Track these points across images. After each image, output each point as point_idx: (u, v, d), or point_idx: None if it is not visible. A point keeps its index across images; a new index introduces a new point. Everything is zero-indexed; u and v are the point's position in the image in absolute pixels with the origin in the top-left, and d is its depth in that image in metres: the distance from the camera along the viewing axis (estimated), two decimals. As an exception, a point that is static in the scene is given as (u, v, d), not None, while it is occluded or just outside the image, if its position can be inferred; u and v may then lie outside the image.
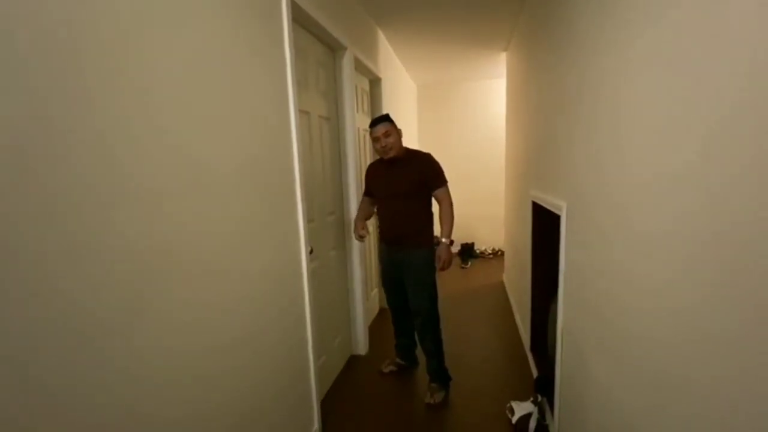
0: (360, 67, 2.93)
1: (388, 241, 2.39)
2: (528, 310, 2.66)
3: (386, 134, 2.20)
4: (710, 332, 0.71)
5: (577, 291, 1.51)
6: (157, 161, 1.00)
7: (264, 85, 1.54)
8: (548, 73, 2.03)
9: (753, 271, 0.60)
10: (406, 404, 2.31)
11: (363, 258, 2.90)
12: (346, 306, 2.80)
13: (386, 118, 2.25)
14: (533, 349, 2.58)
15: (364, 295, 2.91)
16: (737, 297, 0.64)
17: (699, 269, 0.74)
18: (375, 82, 3.41)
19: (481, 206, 5.66)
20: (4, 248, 0.67)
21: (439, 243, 2.24)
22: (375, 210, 2.60)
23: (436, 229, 2.30)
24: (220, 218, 1.26)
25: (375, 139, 2.24)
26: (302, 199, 1.83)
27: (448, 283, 4.40)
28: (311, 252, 1.97)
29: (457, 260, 5.31)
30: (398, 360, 2.66)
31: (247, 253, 1.41)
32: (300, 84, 1.97)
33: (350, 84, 2.64)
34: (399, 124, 2.35)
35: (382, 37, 3.55)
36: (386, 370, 2.63)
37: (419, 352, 2.53)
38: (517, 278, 3.38)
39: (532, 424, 1.93)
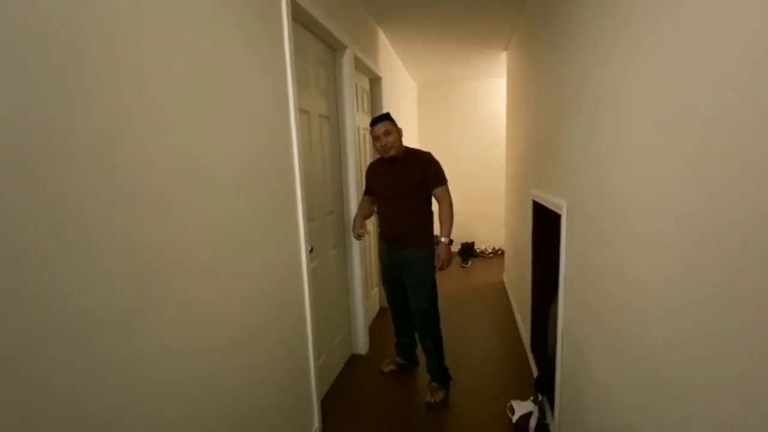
0: (360, 66, 2.93)
1: (388, 240, 2.39)
2: (528, 310, 2.66)
3: (386, 133, 2.20)
4: (710, 332, 0.71)
5: (578, 290, 1.51)
6: (157, 161, 1.00)
7: (264, 84, 1.54)
8: (548, 73, 2.03)
9: (753, 270, 0.60)
10: (406, 404, 2.31)
11: (363, 257, 2.90)
12: (347, 305, 2.80)
13: (387, 117, 2.25)
14: (533, 348, 2.58)
15: (364, 294, 2.91)
16: (737, 297, 0.64)
17: (699, 269, 0.74)
18: (375, 81, 3.41)
19: (481, 205, 5.66)
20: (4, 248, 0.67)
21: (438, 242, 2.24)
22: (375, 209, 2.60)
23: (437, 229, 2.30)
24: (220, 218, 1.26)
25: (375, 138, 2.24)
26: (302, 199, 1.83)
27: (449, 282, 4.40)
28: (311, 251, 1.97)
29: (457, 259, 5.31)
30: (398, 359, 2.67)
31: (247, 252, 1.41)
32: (300, 83, 1.96)
33: (350, 83, 2.64)
34: (399, 123, 2.35)
35: (382, 35, 3.54)
36: (386, 369, 2.63)
37: (419, 351, 2.53)
38: (517, 278, 3.38)
39: (533, 423, 1.93)
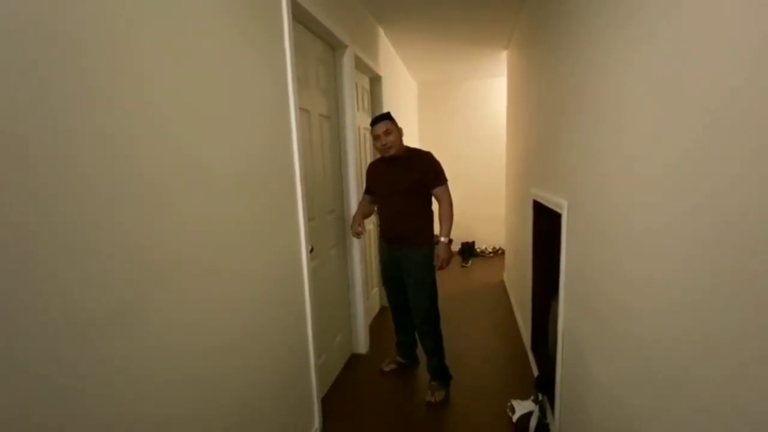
0: (360, 65, 2.92)
1: (388, 239, 2.39)
2: (529, 309, 2.66)
3: (387, 132, 2.20)
4: (710, 331, 0.71)
5: (578, 290, 1.51)
6: (157, 160, 1.00)
7: (264, 84, 1.54)
8: (549, 72, 2.03)
9: (753, 270, 0.60)
10: (406, 403, 2.31)
11: (363, 256, 2.90)
12: (347, 304, 2.80)
13: (387, 117, 2.25)
14: (534, 347, 2.58)
15: (365, 293, 2.91)
16: (737, 296, 0.64)
17: (699, 268, 0.74)
18: (375, 80, 3.40)
19: (481, 205, 5.66)
20: (5, 248, 0.67)
21: (438, 242, 2.24)
22: (375, 209, 2.60)
23: (437, 228, 2.30)
24: (221, 217, 1.26)
25: (375, 137, 2.25)
26: (303, 198, 1.83)
27: (449, 282, 4.40)
28: (312, 250, 1.97)
29: (457, 259, 5.31)
30: (399, 358, 2.67)
31: (248, 252, 1.41)
32: (300, 82, 1.96)
33: (350, 82, 2.63)
34: (399, 123, 2.35)
35: (382, 34, 3.54)
36: (387, 368, 2.63)
37: (420, 350, 2.53)
38: (517, 277, 3.38)
39: (533, 422, 1.93)
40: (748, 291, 0.62)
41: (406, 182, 2.23)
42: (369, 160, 3.06)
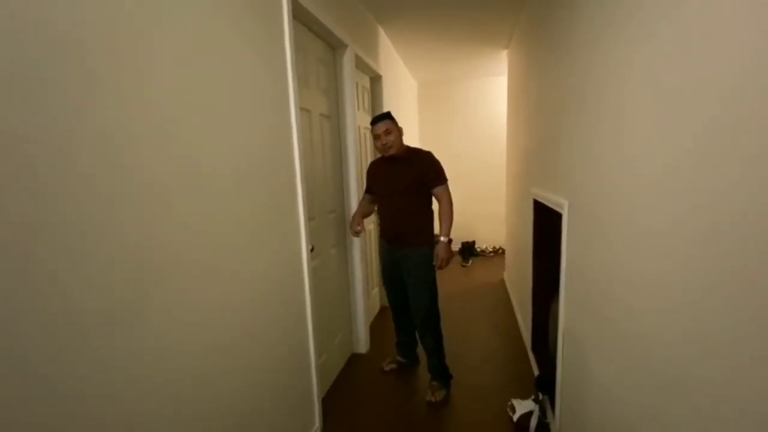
0: (361, 65, 2.92)
1: (388, 238, 2.39)
2: (529, 309, 2.66)
3: (387, 132, 2.20)
4: (711, 331, 0.71)
5: (579, 289, 1.51)
6: (157, 161, 1.00)
7: (264, 83, 1.53)
8: (550, 71, 2.03)
9: (753, 269, 0.60)
10: (407, 402, 2.31)
11: (364, 256, 2.90)
12: (347, 304, 2.80)
13: (387, 116, 2.25)
14: (534, 347, 2.58)
15: (365, 293, 2.91)
16: (737, 296, 0.64)
17: (699, 268, 0.74)
18: (376, 80, 3.40)
19: (482, 204, 5.66)
20: (5, 248, 0.67)
21: (438, 241, 2.24)
22: (375, 208, 2.60)
23: (437, 228, 2.30)
24: (221, 217, 1.26)
25: (376, 137, 2.25)
26: (303, 197, 1.82)
27: (449, 281, 4.40)
28: (312, 250, 1.97)
29: (457, 258, 5.31)
30: (399, 358, 2.67)
31: (248, 251, 1.41)
32: (300, 82, 1.96)
33: (351, 81, 2.63)
34: (400, 122, 2.35)
35: (382, 34, 3.53)
36: (387, 368, 2.63)
37: (420, 350, 2.53)
38: (518, 277, 3.38)
39: (533, 422, 1.93)
40: (748, 291, 0.61)
41: (406, 182, 2.23)
42: (369, 160, 3.06)
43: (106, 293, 0.86)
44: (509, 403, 2.11)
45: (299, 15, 1.90)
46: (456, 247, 5.30)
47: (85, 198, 0.81)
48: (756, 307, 0.60)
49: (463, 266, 5.15)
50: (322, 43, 2.34)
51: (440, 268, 2.25)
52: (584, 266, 1.44)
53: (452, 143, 5.70)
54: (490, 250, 5.68)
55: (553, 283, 1.87)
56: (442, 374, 2.36)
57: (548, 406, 2.02)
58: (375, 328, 3.20)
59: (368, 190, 2.50)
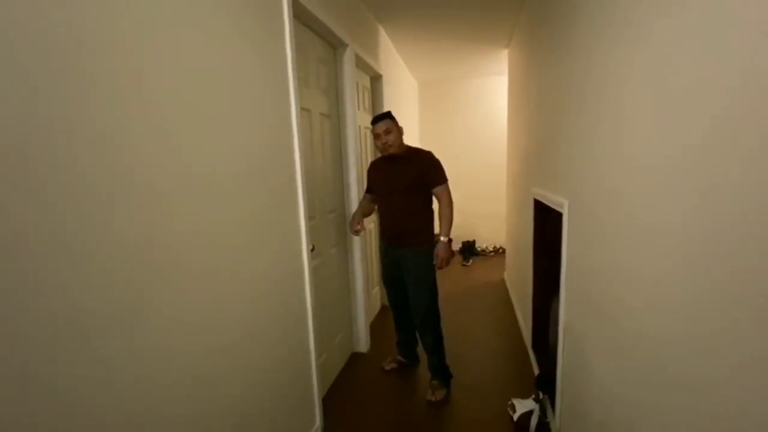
0: (361, 64, 2.92)
1: (388, 238, 2.39)
2: (529, 308, 2.66)
3: (387, 131, 2.20)
4: (711, 330, 0.71)
5: (579, 288, 1.51)
6: (157, 161, 1.00)
7: (265, 83, 1.53)
8: (550, 71, 2.02)
9: (754, 267, 0.60)
10: (407, 402, 2.32)
11: (364, 255, 2.90)
12: (348, 303, 2.80)
13: (387, 116, 2.25)
14: (535, 346, 2.58)
15: (366, 292, 2.91)
16: (738, 295, 0.64)
17: (699, 267, 0.74)
18: (376, 79, 3.40)
19: (482, 203, 5.65)
20: (5, 248, 0.67)
21: (438, 241, 2.24)
22: (375, 207, 2.60)
23: (437, 227, 2.30)
24: (221, 217, 1.26)
25: (376, 136, 2.25)
26: (303, 197, 1.82)
27: (449, 281, 4.40)
28: (312, 249, 1.97)
29: (458, 258, 5.31)
30: (399, 357, 2.67)
31: (248, 251, 1.41)
32: (301, 81, 1.96)
33: (351, 81, 2.63)
34: (400, 122, 2.35)
35: (383, 33, 3.53)
36: (387, 367, 2.63)
37: (420, 349, 2.53)
38: (518, 276, 3.38)
39: (534, 421, 1.93)
40: (748, 290, 0.61)
41: (406, 181, 2.23)
42: (370, 159, 3.06)
43: (106, 293, 0.86)
44: (509, 403, 2.11)
45: (299, 14, 1.90)
46: (456, 246, 5.31)
47: (84, 198, 0.81)
48: (756, 306, 0.60)
49: (464, 265, 5.15)
50: (323, 43, 2.34)
51: (440, 267, 2.25)
52: (584, 265, 1.44)
53: (453, 142, 5.69)
54: (491, 249, 5.67)
55: (554, 282, 1.87)
56: (442, 373, 2.37)
57: (548, 406, 2.02)
58: (375, 327, 3.20)
59: (368, 190, 2.50)
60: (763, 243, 0.58)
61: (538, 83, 2.38)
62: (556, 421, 1.84)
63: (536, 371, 2.44)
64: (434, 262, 2.26)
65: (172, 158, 1.05)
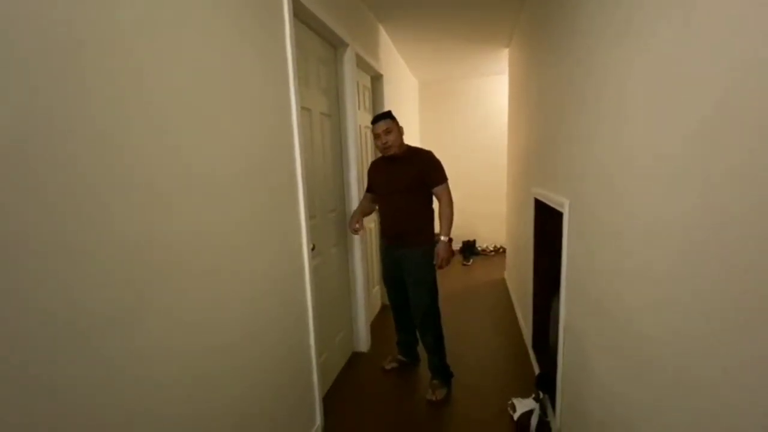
0: (361, 64, 2.92)
1: (388, 237, 2.39)
2: (530, 307, 2.66)
3: (387, 131, 2.20)
4: (711, 329, 0.71)
5: (579, 288, 1.51)
6: (157, 160, 1.00)
7: (265, 82, 1.53)
8: (550, 70, 2.02)
9: (754, 266, 0.60)
10: (407, 401, 2.32)
11: (364, 255, 2.90)
12: (348, 303, 2.81)
13: (388, 115, 2.25)
14: (535, 346, 2.58)
15: (366, 291, 2.91)
16: (738, 294, 0.64)
17: (699, 266, 0.74)
18: (376, 79, 3.40)
19: (482, 203, 5.65)
20: (4, 248, 0.67)
21: (438, 240, 2.24)
22: (375, 207, 2.60)
23: (437, 227, 2.30)
24: (222, 217, 1.26)
25: (376, 136, 2.25)
26: (304, 196, 1.82)
27: (450, 280, 4.39)
28: (313, 249, 1.97)
29: (458, 257, 5.31)
30: (400, 357, 2.67)
31: (248, 251, 1.41)
32: (301, 80, 1.96)
33: (352, 81, 2.63)
34: (401, 121, 2.35)
35: (383, 33, 3.53)
36: (388, 366, 2.63)
37: (421, 348, 2.53)
38: (518, 275, 3.38)
39: (534, 420, 1.93)
40: (748, 290, 0.61)
41: (407, 181, 2.23)
42: (370, 159, 3.06)
43: (106, 293, 0.86)
44: (510, 402, 2.11)
45: (300, 14, 1.90)
46: (457, 246, 5.31)
47: (84, 198, 0.81)
48: (756, 306, 0.60)
49: (464, 265, 5.15)
50: (323, 42, 2.34)
51: (440, 267, 2.26)
52: (584, 265, 1.44)
53: (453, 142, 5.69)
54: (491, 249, 5.67)
55: (554, 281, 1.87)
56: (442, 373, 2.37)
57: (549, 405, 2.02)
58: (376, 326, 3.20)
59: (369, 189, 2.50)
60: (763, 242, 0.58)
61: (539, 83, 2.38)
62: (556, 421, 1.84)
63: (536, 371, 2.44)
64: (434, 262, 2.26)
65: (172, 158, 1.05)
